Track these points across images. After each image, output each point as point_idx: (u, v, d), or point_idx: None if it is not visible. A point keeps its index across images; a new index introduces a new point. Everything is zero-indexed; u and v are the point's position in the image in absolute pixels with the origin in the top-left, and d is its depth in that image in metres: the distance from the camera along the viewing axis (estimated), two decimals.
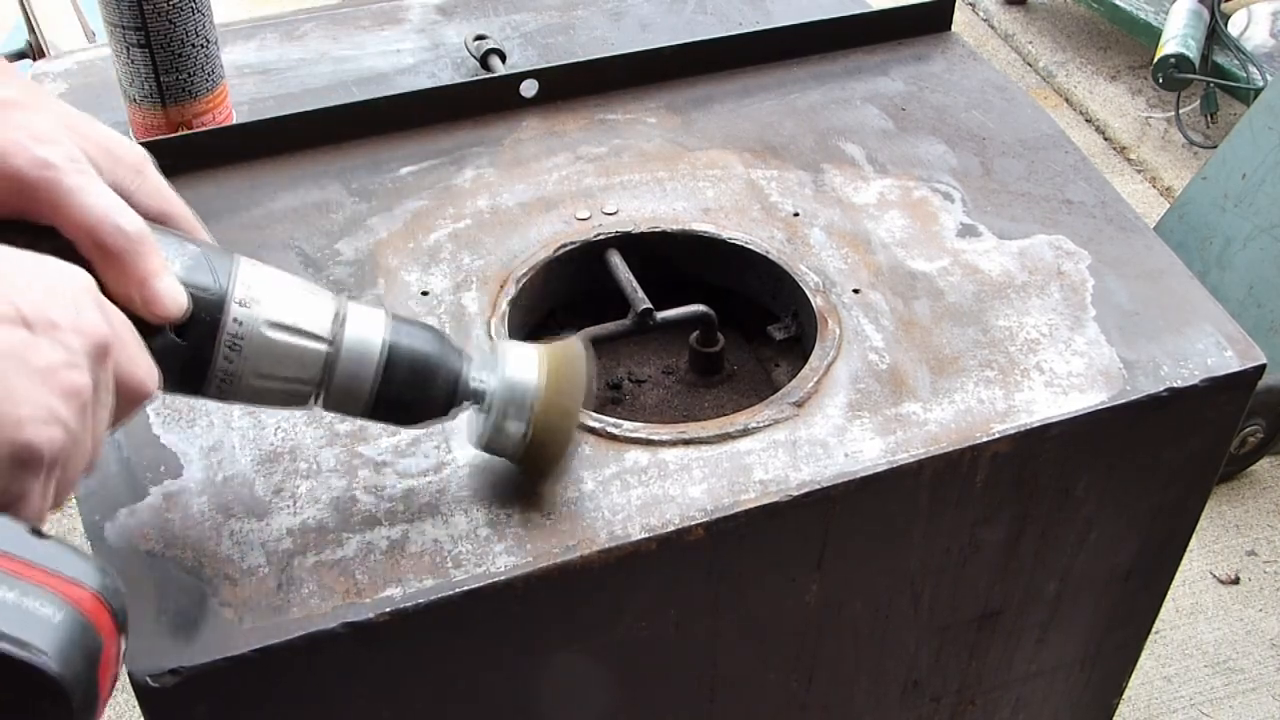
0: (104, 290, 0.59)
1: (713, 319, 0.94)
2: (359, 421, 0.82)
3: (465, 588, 0.73)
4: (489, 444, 0.74)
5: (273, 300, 0.66)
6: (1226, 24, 2.68)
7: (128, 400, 0.59)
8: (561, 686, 0.83)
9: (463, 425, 0.82)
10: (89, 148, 0.62)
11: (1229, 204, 2.00)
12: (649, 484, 0.79)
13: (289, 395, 0.68)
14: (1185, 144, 2.78)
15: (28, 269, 0.54)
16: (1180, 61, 2.60)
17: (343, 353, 0.68)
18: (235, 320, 0.65)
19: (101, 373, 0.55)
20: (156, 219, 0.66)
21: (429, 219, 0.99)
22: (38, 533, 0.50)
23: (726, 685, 0.90)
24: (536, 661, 0.81)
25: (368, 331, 0.69)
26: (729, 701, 0.92)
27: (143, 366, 0.59)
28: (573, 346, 0.75)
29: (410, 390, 0.70)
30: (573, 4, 1.33)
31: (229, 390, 0.67)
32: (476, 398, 0.72)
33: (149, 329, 0.62)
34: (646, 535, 0.76)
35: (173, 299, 0.62)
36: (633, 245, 0.98)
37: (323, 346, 0.67)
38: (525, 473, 0.77)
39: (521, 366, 0.73)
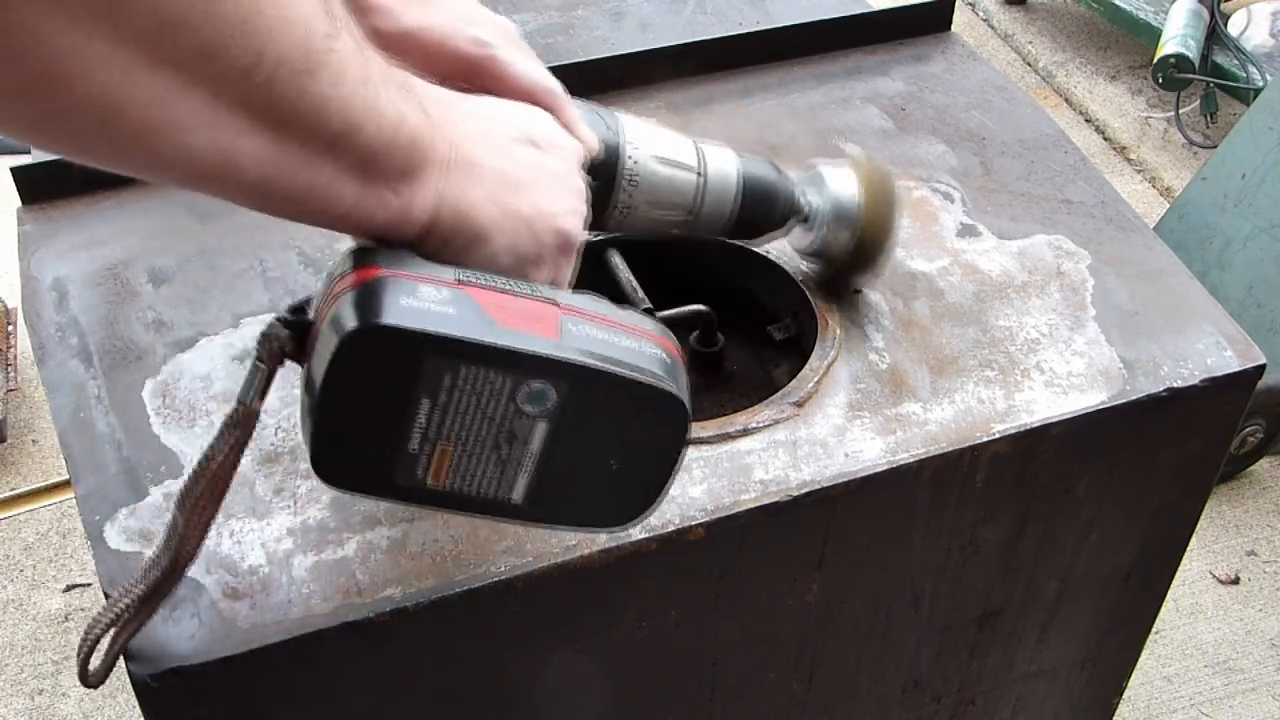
0: None
1: (713, 319, 0.94)
2: None
3: (465, 588, 0.73)
4: (821, 251, 0.90)
5: (655, 143, 0.79)
6: (1226, 24, 2.68)
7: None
8: (561, 686, 0.83)
9: None
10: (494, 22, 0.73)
11: (1229, 204, 2.00)
12: None
13: (667, 221, 0.81)
14: (1185, 144, 2.78)
15: (517, 108, 0.67)
16: (1180, 61, 2.60)
17: (709, 181, 0.81)
18: (630, 159, 0.78)
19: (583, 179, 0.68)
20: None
21: None
22: (611, 301, 0.63)
23: (726, 685, 0.90)
24: (536, 661, 0.81)
25: (725, 164, 0.83)
26: (729, 701, 0.92)
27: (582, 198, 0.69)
28: (881, 165, 0.89)
29: (760, 210, 0.84)
30: (573, 4, 1.33)
31: (625, 219, 0.80)
32: (806, 214, 0.87)
33: None
34: (646, 535, 0.76)
35: (591, 140, 0.73)
36: (633, 245, 0.98)
37: (696, 176, 0.81)
38: (845, 270, 0.91)
39: (842, 184, 0.88)
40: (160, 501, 0.77)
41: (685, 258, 1.00)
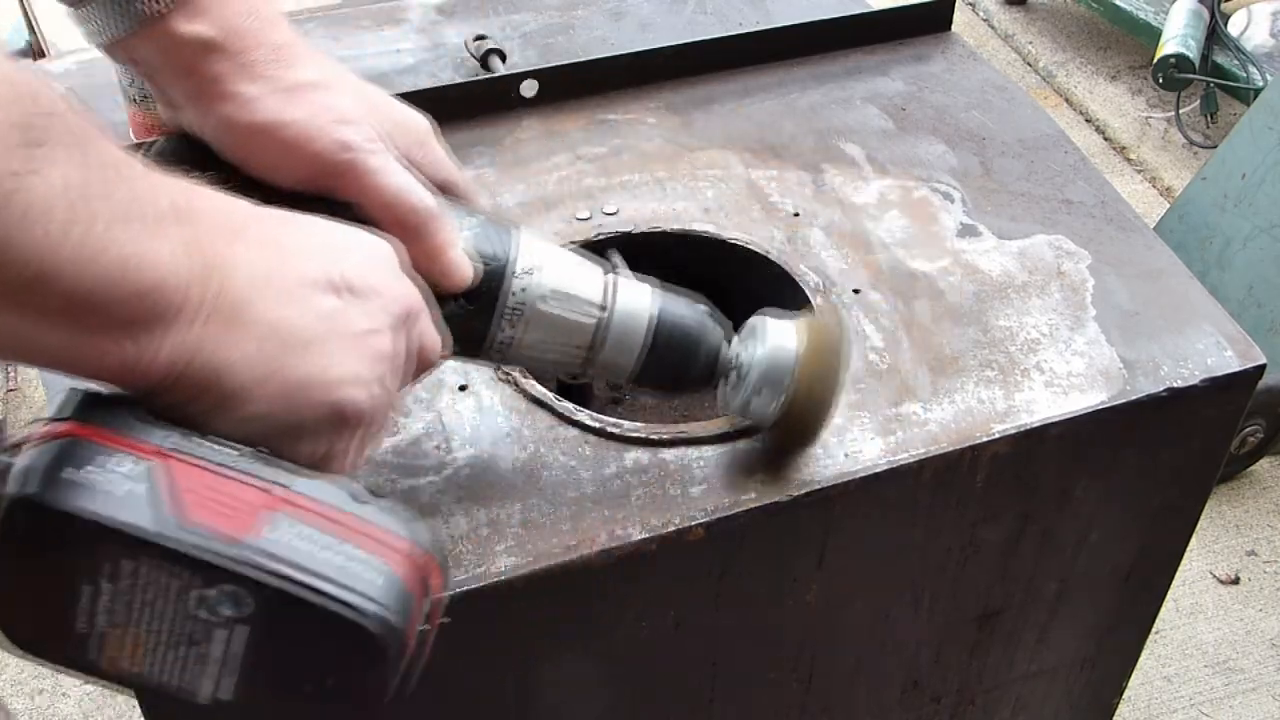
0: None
1: None
2: None
3: (465, 588, 0.73)
4: (744, 411, 0.76)
5: (551, 270, 0.69)
6: (1226, 24, 2.68)
7: (421, 365, 0.62)
8: (562, 686, 0.83)
9: (461, 425, 0.82)
10: (382, 122, 0.67)
11: (1229, 204, 2.00)
12: (649, 484, 0.79)
13: (560, 362, 0.72)
14: (1185, 144, 2.78)
15: (341, 239, 0.58)
16: (1180, 61, 2.60)
17: (614, 322, 0.71)
18: (517, 290, 0.68)
19: (405, 338, 0.59)
20: (441, 187, 0.70)
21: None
22: (356, 495, 0.53)
23: (726, 685, 0.90)
24: (536, 661, 0.81)
25: (637, 303, 0.72)
26: (729, 702, 0.92)
27: (436, 333, 0.63)
28: (832, 320, 0.77)
29: (675, 359, 0.73)
30: (573, 4, 1.33)
31: (506, 355, 0.71)
32: (737, 369, 0.75)
33: (439, 297, 0.65)
34: (646, 535, 0.76)
35: (460, 271, 0.66)
36: (633, 245, 0.98)
37: (595, 316, 0.70)
38: (775, 441, 0.80)
39: (781, 339, 0.74)
40: None
41: (685, 258, 1.00)
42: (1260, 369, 0.90)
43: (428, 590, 0.54)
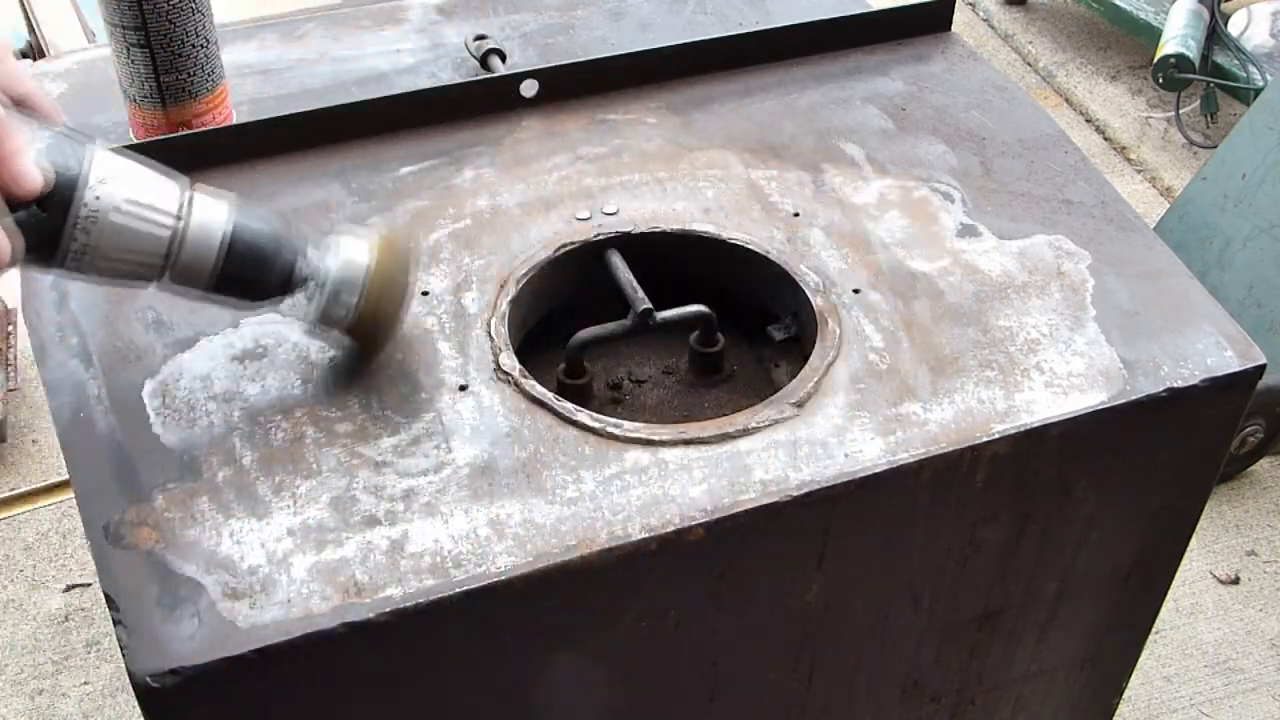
0: None
1: (713, 319, 0.94)
2: (359, 421, 0.82)
3: (465, 588, 0.73)
4: (322, 317, 0.81)
5: (124, 182, 0.72)
6: (1226, 24, 2.68)
7: None
8: (562, 686, 0.83)
9: (461, 426, 0.82)
10: None
11: (1229, 204, 2.00)
12: (649, 484, 0.79)
13: (135, 271, 0.75)
14: (1185, 144, 2.78)
15: None
16: (1180, 61, 2.60)
17: (189, 233, 0.74)
18: (90, 199, 0.71)
19: None
20: (18, 102, 0.72)
21: (429, 219, 0.99)
22: None
23: (726, 685, 0.90)
24: (536, 661, 0.81)
25: (212, 215, 0.75)
26: (729, 701, 0.92)
27: (2, 237, 0.64)
28: (400, 230, 0.84)
29: (250, 270, 0.77)
30: (573, 4, 1.33)
31: (80, 264, 0.73)
32: (314, 277, 0.79)
33: (10, 203, 0.68)
34: (646, 535, 0.76)
35: (30, 177, 0.67)
36: (633, 245, 0.98)
37: (169, 228, 0.74)
38: (356, 343, 0.84)
39: (352, 253, 0.80)
40: (160, 501, 0.77)
41: (685, 258, 1.00)
42: (1260, 369, 0.90)
43: None
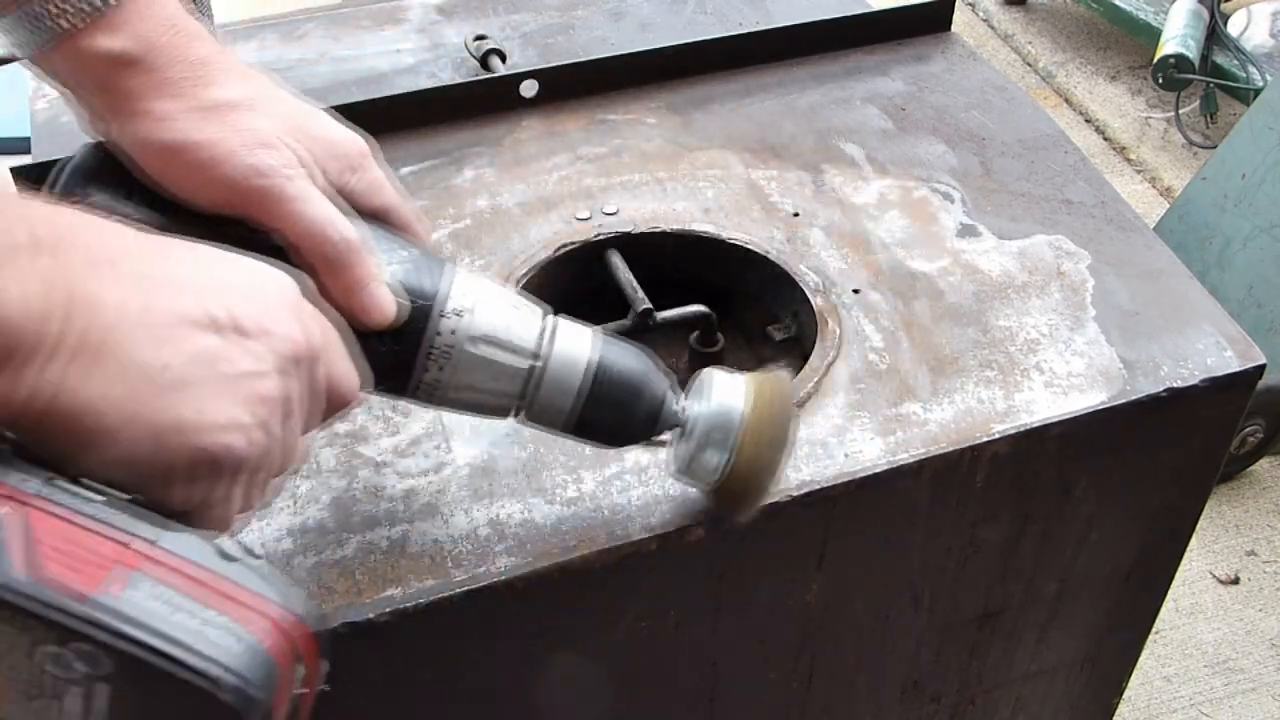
0: (323, 293, 0.60)
1: (713, 319, 0.94)
2: (359, 421, 0.82)
3: (465, 588, 0.73)
4: (687, 470, 0.72)
5: (484, 312, 0.66)
6: (1226, 24, 2.68)
7: (334, 404, 0.59)
8: (562, 686, 0.83)
9: (461, 426, 0.82)
10: (310, 146, 0.63)
11: (1229, 204, 2.00)
12: (649, 484, 0.79)
13: (490, 406, 0.68)
14: (1185, 144, 2.78)
15: (228, 273, 0.55)
16: (1180, 61, 2.60)
17: (548, 370, 0.67)
18: (445, 331, 0.65)
19: (299, 379, 0.55)
20: (376, 214, 0.67)
21: (429, 219, 0.99)
22: (225, 553, 0.50)
23: (726, 685, 0.90)
24: (536, 661, 0.81)
25: (574, 350, 0.68)
26: (729, 701, 0.92)
27: (347, 371, 0.59)
28: (781, 381, 0.72)
29: (613, 412, 0.69)
30: (573, 4, 1.33)
31: (432, 396, 0.67)
32: (679, 424, 0.70)
33: (365, 333, 0.63)
34: (646, 535, 0.76)
35: (380, 308, 0.63)
36: (633, 245, 0.98)
37: (527, 362, 0.66)
38: (718, 504, 0.75)
39: (727, 395, 0.70)
40: None
41: (685, 258, 1.00)
42: (1260, 369, 0.90)
43: (299, 658, 0.52)
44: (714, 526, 0.78)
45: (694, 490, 0.77)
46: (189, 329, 0.51)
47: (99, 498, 0.49)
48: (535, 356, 0.67)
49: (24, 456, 0.49)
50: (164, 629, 0.47)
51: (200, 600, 0.48)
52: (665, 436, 0.72)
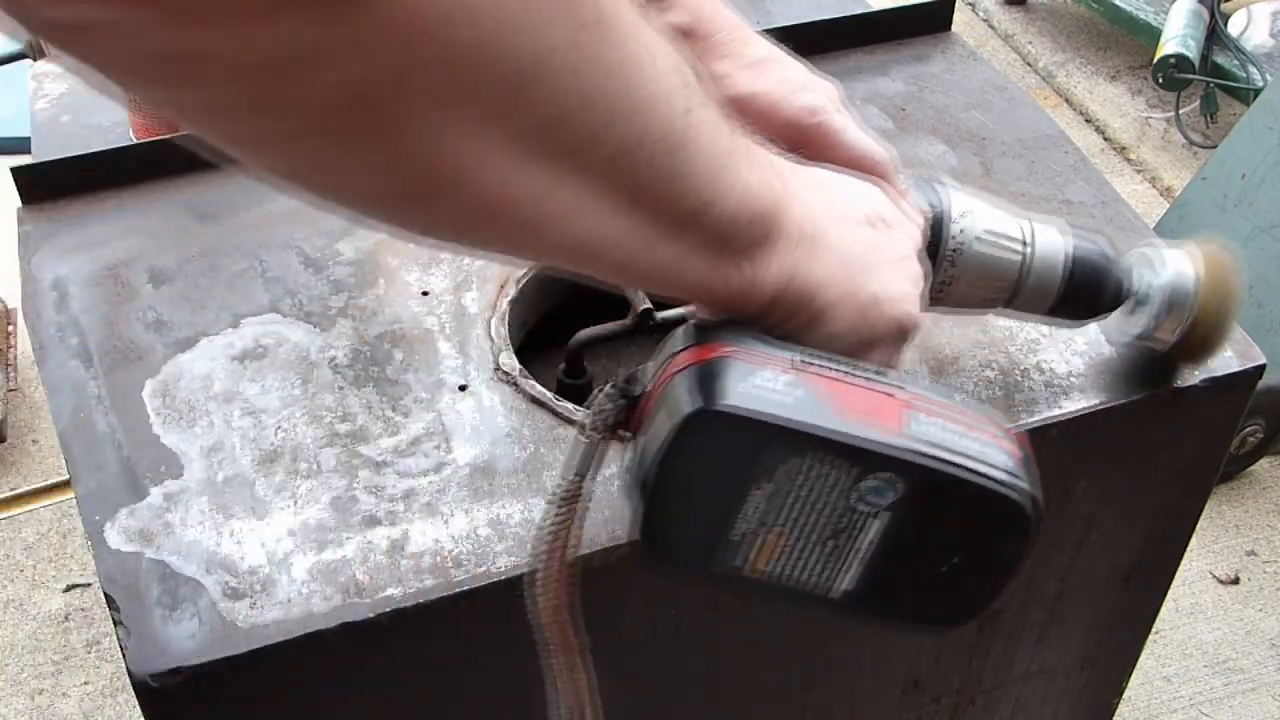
0: None
1: None
2: (359, 421, 0.82)
3: (465, 588, 0.73)
4: (1145, 336, 0.83)
5: (980, 215, 0.75)
6: (1226, 24, 2.68)
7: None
8: None
9: (461, 425, 0.82)
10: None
11: (1229, 204, 2.00)
12: None
13: (986, 298, 0.77)
14: (1185, 144, 2.78)
15: (859, 183, 0.65)
16: (1180, 61, 2.60)
17: (1035, 258, 0.76)
18: (955, 232, 0.74)
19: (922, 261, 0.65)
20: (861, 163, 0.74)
21: None
22: (950, 390, 0.63)
23: (726, 685, 0.90)
24: (536, 662, 0.81)
25: (1053, 240, 0.77)
26: (729, 702, 0.92)
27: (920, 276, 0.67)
28: (1226, 253, 0.83)
29: (1088, 291, 0.79)
30: None
31: (942, 295, 0.75)
32: (1140, 296, 0.82)
33: None
34: None
35: (922, 213, 0.71)
36: None
37: (1020, 253, 0.76)
38: (1173, 360, 0.86)
39: (1180, 266, 0.81)
40: (160, 501, 0.77)
41: None
42: (1260, 369, 0.90)
43: (1032, 458, 0.58)
44: None
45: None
46: (856, 223, 0.61)
47: (843, 362, 0.57)
48: (1024, 246, 0.76)
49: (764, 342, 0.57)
50: (963, 450, 0.55)
51: (964, 426, 0.56)
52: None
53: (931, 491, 0.55)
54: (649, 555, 0.58)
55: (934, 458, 0.54)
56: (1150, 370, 0.88)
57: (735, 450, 0.54)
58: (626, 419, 0.59)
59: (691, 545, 0.56)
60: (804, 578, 0.57)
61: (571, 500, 0.59)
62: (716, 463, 0.54)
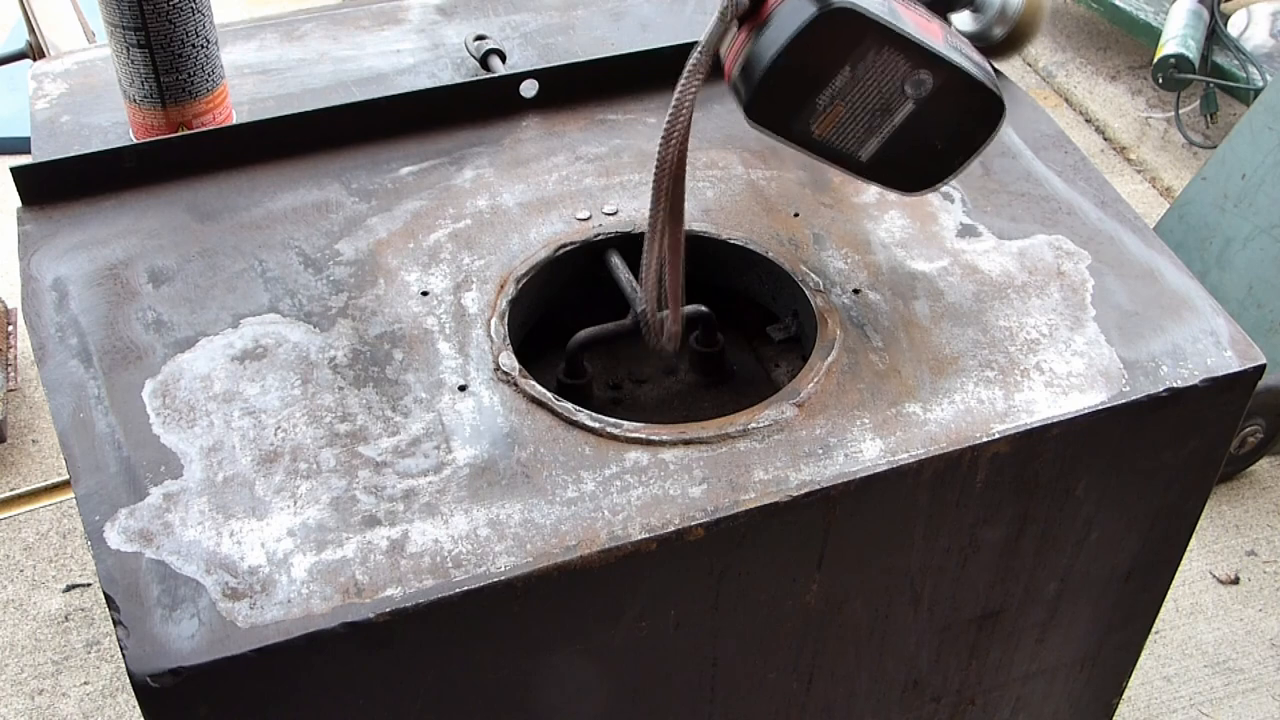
0: None
1: (713, 319, 0.94)
2: (359, 421, 0.82)
3: (465, 588, 0.73)
4: (979, 35, 1.06)
5: None
6: (1226, 24, 2.68)
7: None
8: (562, 686, 0.83)
9: (460, 425, 0.82)
10: None
11: (1229, 204, 2.00)
12: (649, 484, 0.79)
13: None
14: (1185, 144, 2.78)
15: None
16: (1180, 61, 2.60)
17: None
18: None
19: None
20: None
21: (429, 219, 0.99)
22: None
23: (726, 685, 0.90)
24: (536, 661, 0.81)
25: None
26: (729, 701, 0.92)
27: None
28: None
29: None
30: (573, 4, 1.33)
31: None
32: (980, 5, 1.06)
33: None
34: (646, 535, 0.76)
35: None
36: (633, 245, 0.98)
37: None
38: (1000, 49, 1.08)
39: None
40: (160, 501, 0.77)
41: (685, 258, 1.00)
42: (1260, 369, 0.90)
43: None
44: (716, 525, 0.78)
45: (695, 490, 0.77)
46: None
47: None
48: None
49: None
50: (977, 63, 0.83)
51: (970, 49, 0.85)
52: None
53: (954, 86, 0.81)
54: (751, 112, 0.81)
55: (962, 60, 0.81)
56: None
57: (843, 39, 0.78)
58: (753, 11, 0.80)
59: (784, 107, 0.80)
60: (847, 142, 0.82)
61: (702, 70, 0.80)
62: (828, 47, 0.78)
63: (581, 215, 1.00)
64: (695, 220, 1.00)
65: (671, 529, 0.77)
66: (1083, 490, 0.91)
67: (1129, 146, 2.84)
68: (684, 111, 0.80)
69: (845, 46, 0.77)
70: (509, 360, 0.87)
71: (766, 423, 0.83)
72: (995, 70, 0.83)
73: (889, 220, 1.00)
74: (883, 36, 0.78)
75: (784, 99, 0.80)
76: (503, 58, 1.22)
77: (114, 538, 0.74)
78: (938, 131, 0.83)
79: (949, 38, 0.83)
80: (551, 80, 1.10)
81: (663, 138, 0.80)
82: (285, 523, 0.76)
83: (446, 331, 0.89)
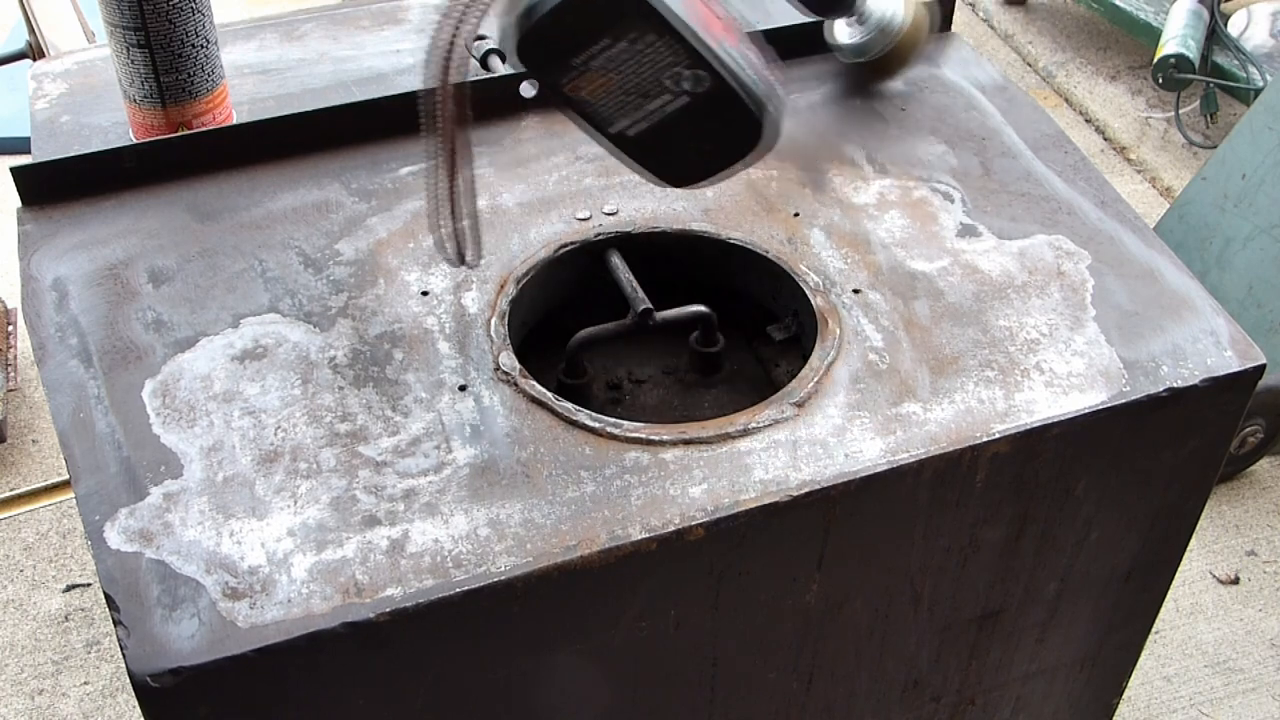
0: None
1: (712, 319, 0.94)
2: (359, 421, 0.82)
3: (465, 588, 0.73)
4: (856, 49, 1.10)
5: None
6: (1226, 24, 2.68)
7: None
8: (562, 686, 0.83)
9: (461, 425, 0.82)
10: None
11: (1229, 204, 2.00)
12: (649, 484, 0.79)
13: None
14: (1185, 144, 2.78)
15: None
16: (1180, 61, 2.60)
17: None
18: None
19: None
20: None
21: (428, 220, 0.99)
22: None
23: (726, 685, 0.90)
24: (536, 661, 0.81)
25: None
26: (729, 701, 0.92)
27: None
28: (924, 8, 1.09)
29: None
30: None
31: None
32: (862, 16, 1.08)
33: None
34: (646, 535, 0.76)
35: None
36: (633, 245, 0.98)
37: None
38: (874, 70, 1.11)
39: (895, 7, 1.07)
40: (160, 501, 0.77)
41: (686, 258, 1.00)
42: (1260, 369, 0.90)
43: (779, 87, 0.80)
44: (715, 526, 0.78)
45: (695, 490, 0.77)
46: None
47: None
48: None
49: None
50: (755, 78, 0.77)
51: (760, 62, 0.78)
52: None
53: (721, 96, 0.77)
54: (522, 53, 0.78)
55: (729, 74, 0.76)
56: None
57: (610, 8, 0.75)
58: None
59: (548, 54, 0.78)
60: (604, 112, 0.79)
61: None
62: (606, 12, 0.75)
63: (581, 215, 1.00)
64: (695, 220, 1.00)
65: (671, 529, 0.77)
66: (1082, 490, 0.91)
67: (1129, 146, 2.84)
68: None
69: (610, 17, 0.75)
70: (509, 360, 0.87)
71: (766, 423, 0.83)
72: (779, 94, 0.79)
73: (889, 220, 1.00)
74: (646, 19, 0.75)
75: (549, 48, 0.78)
76: (503, 58, 1.22)
77: (114, 538, 0.75)
78: (692, 132, 0.79)
79: (743, 46, 0.78)
80: None
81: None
82: (285, 522, 0.76)
83: (446, 331, 0.89)
